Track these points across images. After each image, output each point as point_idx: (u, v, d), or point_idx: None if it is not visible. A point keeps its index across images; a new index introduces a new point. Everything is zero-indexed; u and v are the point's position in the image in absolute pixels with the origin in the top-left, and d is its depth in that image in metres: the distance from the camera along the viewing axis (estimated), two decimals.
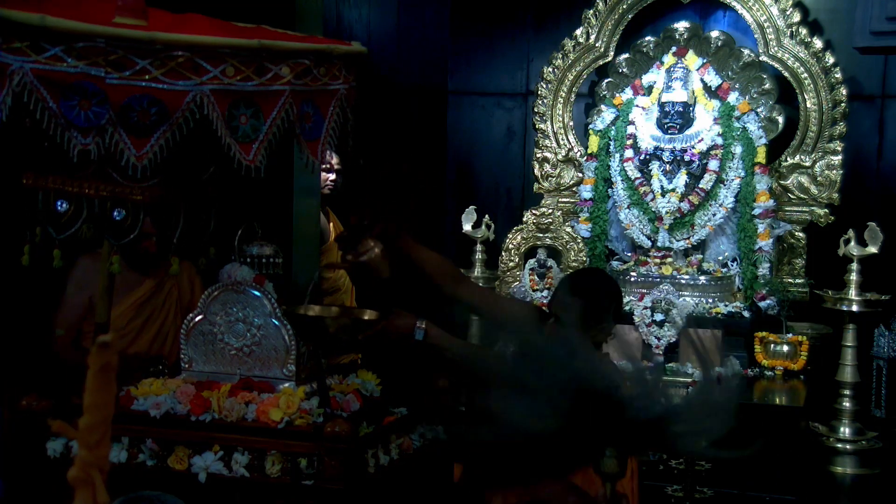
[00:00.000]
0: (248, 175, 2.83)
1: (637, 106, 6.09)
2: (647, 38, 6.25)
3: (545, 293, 5.76)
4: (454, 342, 3.13)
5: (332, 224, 5.51)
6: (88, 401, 1.66)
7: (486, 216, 6.18)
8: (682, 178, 5.90)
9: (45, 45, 2.52)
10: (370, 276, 3.28)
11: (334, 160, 5.35)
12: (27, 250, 2.96)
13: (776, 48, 5.98)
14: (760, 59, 6.03)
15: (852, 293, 5.29)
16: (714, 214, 5.86)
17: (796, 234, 5.98)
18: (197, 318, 3.25)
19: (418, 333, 3.05)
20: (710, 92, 5.98)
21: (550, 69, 6.45)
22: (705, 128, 5.92)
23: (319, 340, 3.26)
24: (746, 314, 5.63)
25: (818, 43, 5.91)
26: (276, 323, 3.18)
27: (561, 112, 6.47)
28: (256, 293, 3.20)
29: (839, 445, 5.27)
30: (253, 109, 2.76)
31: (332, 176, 5.40)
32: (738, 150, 5.83)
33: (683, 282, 5.80)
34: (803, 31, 5.94)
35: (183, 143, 2.68)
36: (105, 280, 3.31)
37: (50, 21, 2.51)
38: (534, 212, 6.13)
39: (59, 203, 2.92)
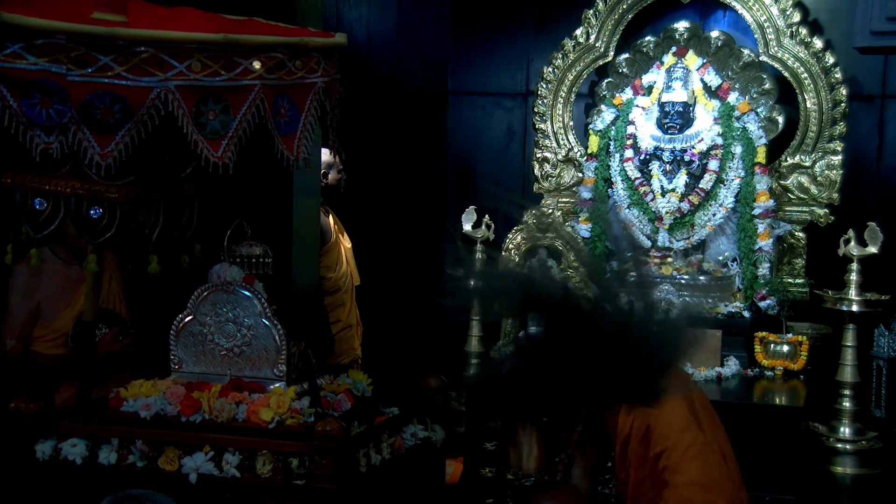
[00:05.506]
0: (238, 174, 2.79)
1: (637, 106, 6.07)
2: (647, 38, 6.23)
3: None
4: None
5: (333, 223, 5.51)
6: None
7: (486, 216, 6.17)
8: (682, 178, 5.88)
9: (4, 42, 2.47)
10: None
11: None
12: (10, 249, 2.95)
13: (776, 48, 5.96)
14: (760, 59, 6.00)
15: (852, 293, 5.27)
16: (714, 214, 5.85)
17: (796, 234, 5.96)
18: (187, 319, 3.24)
19: None
20: (710, 92, 5.96)
21: (550, 69, 6.44)
22: (705, 128, 5.90)
23: None
24: (746, 314, 5.61)
25: (818, 43, 5.89)
26: (267, 323, 3.17)
27: (561, 112, 6.46)
28: (246, 293, 3.19)
29: (839, 445, 5.25)
30: (222, 105, 2.71)
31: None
32: (738, 150, 5.81)
33: (683, 282, 5.78)
34: (803, 31, 5.92)
35: (159, 140, 2.65)
36: (91, 279, 3.31)
37: (7, 17, 2.45)
38: (534, 212, 6.11)
39: (37, 202, 2.90)
